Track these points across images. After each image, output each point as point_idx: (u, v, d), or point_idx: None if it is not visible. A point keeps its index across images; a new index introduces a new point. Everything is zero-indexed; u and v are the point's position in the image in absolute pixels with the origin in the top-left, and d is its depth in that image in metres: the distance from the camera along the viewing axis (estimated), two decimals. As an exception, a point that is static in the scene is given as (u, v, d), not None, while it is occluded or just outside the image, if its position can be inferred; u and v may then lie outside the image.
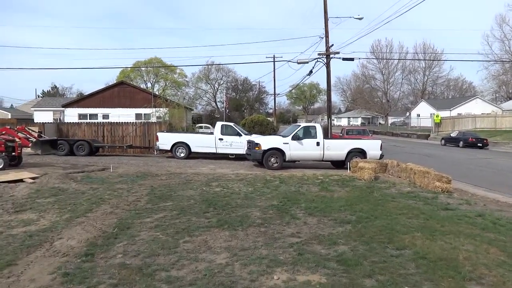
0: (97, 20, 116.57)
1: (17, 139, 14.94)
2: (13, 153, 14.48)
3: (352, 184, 12.04)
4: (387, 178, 13.47)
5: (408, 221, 7.46)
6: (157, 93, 48.17)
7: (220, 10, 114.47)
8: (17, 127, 17.63)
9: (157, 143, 20.19)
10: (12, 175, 12.28)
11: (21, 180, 11.57)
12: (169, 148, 19.90)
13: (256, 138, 17.33)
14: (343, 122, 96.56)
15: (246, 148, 17.42)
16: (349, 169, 14.82)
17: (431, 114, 52.01)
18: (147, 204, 8.82)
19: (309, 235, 6.49)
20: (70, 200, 9.20)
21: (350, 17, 24.10)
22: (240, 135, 19.32)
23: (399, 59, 66.98)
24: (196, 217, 7.62)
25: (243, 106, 68.08)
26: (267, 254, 5.54)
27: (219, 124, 20.19)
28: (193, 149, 19.66)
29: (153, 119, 28.64)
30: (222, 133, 19.45)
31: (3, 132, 15.03)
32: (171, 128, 24.22)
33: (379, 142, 17.16)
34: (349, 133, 28.83)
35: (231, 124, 20.81)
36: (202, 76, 75.04)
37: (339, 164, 16.81)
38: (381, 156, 16.51)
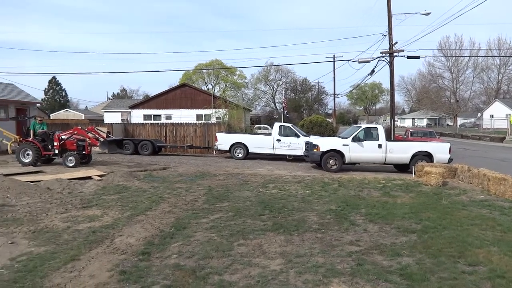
0: (162, 25, 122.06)
1: (87, 139, 15.88)
2: (84, 152, 15.42)
3: (417, 189, 11.29)
4: (457, 184, 12.48)
5: (482, 233, 6.77)
6: (217, 94, 49.30)
7: (279, 11, 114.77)
8: (88, 127, 18.79)
9: (216, 143, 20.54)
10: (82, 172, 13.06)
11: (89, 177, 12.26)
12: (227, 149, 20.15)
13: (314, 139, 16.96)
14: (407, 123, 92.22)
15: (304, 149, 17.12)
16: (414, 174, 13.96)
17: (506, 115, 47.94)
18: (204, 204, 8.90)
19: (370, 244, 6.10)
20: (132, 198, 9.55)
21: (416, 13, 22.77)
22: (298, 136, 19.04)
23: (470, 56, 62.48)
24: (252, 219, 7.51)
25: (302, 107, 67.50)
26: (324, 262, 5.27)
27: (277, 125, 20.06)
28: (251, 150, 19.72)
29: (213, 120, 29.22)
30: (280, 134, 19.30)
31: (75, 132, 16.06)
32: (230, 129, 24.54)
33: (447, 145, 16.01)
34: (413, 134, 27.30)
35: (289, 125, 20.59)
36: (261, 77, 75.53)
37: (402, 168, 15.92)
38: (450, 160, 15.37)
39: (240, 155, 19.75)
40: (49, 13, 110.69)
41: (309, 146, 16.01)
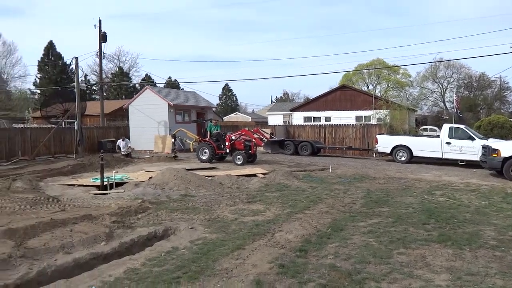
0: (322, 28, 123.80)
1: (252, 139, 17.29)
2: (250, 151, 16.83)
3: None
4: None
5: None
6: (378, 94, 47.35)
7: (444, 2, 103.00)
8: (253, 129, 20.44)
9: (376, 145, 19.78)
10: (248, 170, 14.26)
11: (254, 175, 13.31)
12: (388, 151, 19.18)
13: (494, 142, 14.68)
14: None
15: (480, 154, 15.03)
16: None
17: None
18: (362, 207, 8.68)
19: None
20: (292, 196, 9.97)
21: None
22: (473, 139, 16.79)
23: None
24: (414, 227, 6.98)
25: (479, 106, 59.20)
26: (503, 285, 4.53)
27: (446, 127, 18.11)
28: (415, 153, 18.31)
29: (373, 121, 28.19)
30: (450, 137, 17.37)
31: (243, 133, 17.67)
32: (391, 131, 23.30)
33: None
34: None
35: (462, 126, 18.34)
36: (428, 74, 69.12)
37: None
38: None
39: (403, 159, 18.54)
40: (221, 27, 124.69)
41: (487, 150, 13.95)
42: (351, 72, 62.84)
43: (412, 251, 5.69)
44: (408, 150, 18.43)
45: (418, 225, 7.12)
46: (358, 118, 33.84)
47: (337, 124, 25.19)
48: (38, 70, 57.03)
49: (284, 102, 71.26)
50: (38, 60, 57.26)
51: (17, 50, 77.47)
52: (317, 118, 37.96)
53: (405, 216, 7.85)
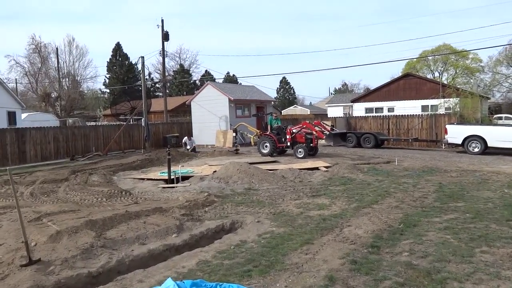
0: (380, 15, 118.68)
1: (314, 132, 17.03)
2: (311, 144, 16.61)
3: None
4: None
5: None
6: (445, 82, 44.53)
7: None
8: (314, 121, 20.13)
9: (445, 136, 18.61)
10: (310, 163, 14.09)
11: (316, 168, 13.11)
12: (459, 142, 17.96)
13: None
14: None
15: None
16: None
17: None
18: (434, 202, 8.18)
19: None
20: (357, 190, 9.67)
21: None
22: (560, 127, 15.20)
23: None
24: (497, 224, 6.44)
25: (563, 91, 53.57)
26: None
27: (527, 114, 16.57)
28: (490, 144, 16.97)
29: (441, 111, 26.56)
30: (531, 125, 15.87)
31: (304, 126, 17.47)
32: (462, 120, 21.83)
33: None
34: None
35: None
36: (502, 58, 63.73)
37: None
38: None
39: (476, 150, 17.28)
40: (278, 20, 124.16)
41: None
42: (415, 59, 59.74)
43: (497, 250, 5.25)
44: (482, 140, 17.13)
45: (501, 222, 6.55)
46: (424, 108, 32.06)
47: (402, 115, 24.05)
48: (107, 70, 60.77)
49: (344, 93, 69.58)
50: (107, 61, 61.05)
51: (88, 53, 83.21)
52: (379, 109, 36.55)
53: (484, 211, 7.27)
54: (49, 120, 32.83)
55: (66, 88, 51.66)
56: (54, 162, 18.57)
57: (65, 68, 54.30)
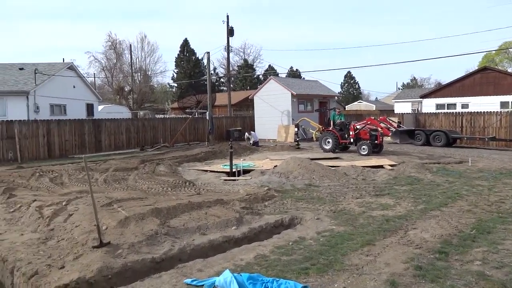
0: (452, 4, 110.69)
1: (379, 129, 16.39)
2: (376, 141, 16.01)
3: None
4: None
5: None
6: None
7: None
8: (380, 117, 19.37)
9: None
10: (374, 161, 13.59)
11: (381, 166, 12.61)
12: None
13: None
14: None
15: None
16: None
17: None
18: (513, 208, 7.49)
19: None
20: (425, 190, 9.14)
21: None
22: None
23: None
24: None
25: None
26: None
27: None
28: None
29: (524, 108, 24.24)
30: None
31: (368, 122, 16.88)
32: (549, 119, 19.75)
33: None
34: None
35: None
36: None
37: None
38: None
39: None
40: (343, 12, 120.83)
41: None
42: (494, 51, 55.09)
43: None
44: None
45: None
46: (503, 104, 29.49)
47: (477, 112, 22.30)
48: (175, 65, 63.31)
49: (412, 88, 66.15)
50: (175, 57, 63.59)
51: (158, 49, 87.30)
52: (451, 105, 34.27)
53: None
54: (122, 112, 35.02)
55: (138, 82, 54.73)
56: (125, 151, 19.78)
57: (137, 63, 57.52)
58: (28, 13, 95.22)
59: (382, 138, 16.46)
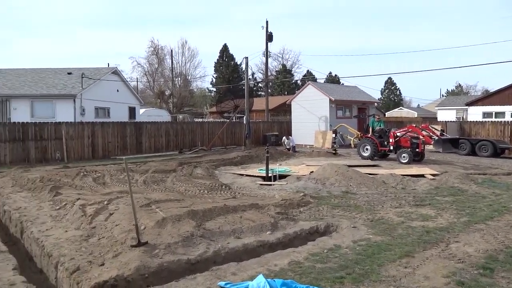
0: (501, 8, 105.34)
1: (420, 137, 15.86)
2: (417, 149, 15.49)
3: None
4: None
5: None
6: None
7: None
8: (421, 125, 18.74)
9: None
10: (415, 170, 13.15)
11: (422, 176, 12.18)
12: None
13: None
14: None
15: None
16: None
17: None
18: None
19: None
20: (469, 202, 8.73)
21: None
22: None
23: None
24: None
25: None
26: None
27: None
28: None
29: None
30: None
31: (409, 130, 16.37)
32: None
33: None
34: None
35: None
36: None
37: None
38: None
39: None
40: (384, 17, 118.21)
41: None
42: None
43: None
44: None
45: None
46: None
47: (529, 121, 21.11)
48: (214, 70, 64.40)
49: (457, 95, 63.56)
50: (215, 62, 64.68)
51: (198, 54, 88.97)
52: (499, 114, 32.65)
53: None
54: (162, 115, 35.97)
55: (178, 86, 56.09)
56: (164, 153, 20.29)
57: (178, 68, 59.03)
58: (78, 22, 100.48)
59: (424, 147, 15.91)
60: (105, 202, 7.98)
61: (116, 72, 28.05)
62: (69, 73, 25.46)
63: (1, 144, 15.85)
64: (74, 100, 22.21)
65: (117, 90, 27.22)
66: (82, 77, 23.24)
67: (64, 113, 21.63)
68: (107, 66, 32.85)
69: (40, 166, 15.02)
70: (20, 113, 21.45)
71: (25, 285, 4.64)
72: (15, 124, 16.68)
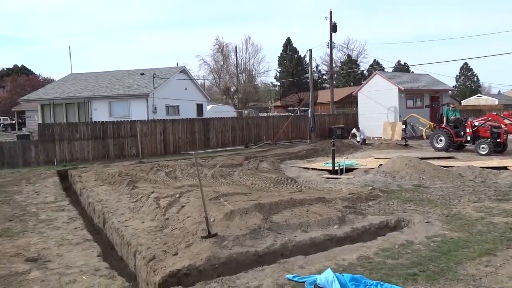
0: None
1: (502, 126, 14.59)
2: (498, 140, 14.29)
3: None
4: None
5: None
6: None
7: None
8: (503, 113, 17.22)
9: None
10: (496, 161, 12.17)
11: (504, 168, 11.24)
12: None
13: None
14: None
15: None
16: None
17: None
18: None
19: None
20: (562, 197, 7.88)
21: None
22: None
23: None
24: None
25: None
26: None
27: None
28: None
29: None
30: None
31: (489, 119, 15.12)
32: None
33: None
34: None
35: None
36: None
37: None
38: None
39: None
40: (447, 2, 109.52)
41: None
42: None
43: None
44: None
45: None
46: None
47: None
48: (278, 64, 64.51)
49: (546, 79, 57.34)
50: (278, 56, 64.81)
51: (262, 49, 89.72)
52: None
53: None
54: (228, 111, 36.87)
55: (243, 82, 57.05)
56: (231, 148, 20.79)
57: (242, 64, 60.00)
58: (149, 26, 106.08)
59: (507, 137, 14.61)
60: (177, 195, 8.38)
61: (184, 71, 29.22)
62: (142, 74, 27.02)
63: (85, 142, 17.30)
64: (147, 99, 23.53)
65: (185, 88, 28.36)
66: (154, 77, 24.53)
67: (138, 111, 23.04)
68: (175, 65, 34.34)
69: (118, 162, 16.17)
70: (99, 113, 23.25)
71: (108, 270, 5.03)
72: (96, 123, 18.10)
